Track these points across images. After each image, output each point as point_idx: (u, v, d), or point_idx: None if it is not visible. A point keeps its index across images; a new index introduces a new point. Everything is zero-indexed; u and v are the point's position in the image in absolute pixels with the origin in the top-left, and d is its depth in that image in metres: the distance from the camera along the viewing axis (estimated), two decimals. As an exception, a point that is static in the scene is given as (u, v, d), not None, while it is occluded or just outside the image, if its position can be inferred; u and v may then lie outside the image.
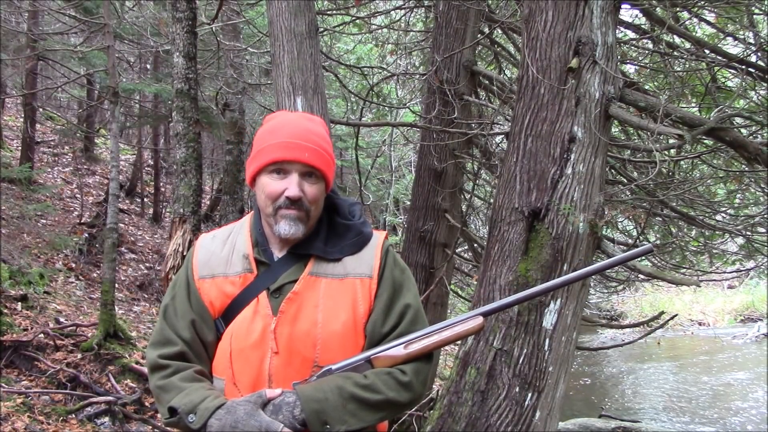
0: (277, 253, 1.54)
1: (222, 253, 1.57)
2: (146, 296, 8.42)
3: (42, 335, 5.48)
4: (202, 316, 1.53)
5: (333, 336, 1.47)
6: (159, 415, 5.05)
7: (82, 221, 9.19)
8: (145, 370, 4.56)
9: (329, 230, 1.56)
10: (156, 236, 10.60)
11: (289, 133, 1.50)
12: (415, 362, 1.47)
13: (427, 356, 1.50)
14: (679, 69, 5.42)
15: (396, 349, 1.46)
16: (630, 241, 6.29)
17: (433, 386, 5.53)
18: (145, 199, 12.00)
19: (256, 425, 1.32)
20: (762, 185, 5.54)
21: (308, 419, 1.36)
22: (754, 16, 4.84)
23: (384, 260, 1.55)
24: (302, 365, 1.46)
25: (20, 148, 10.26)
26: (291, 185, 1.47)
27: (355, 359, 1.45)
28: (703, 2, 4.57)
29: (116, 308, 6.12)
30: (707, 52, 4.83)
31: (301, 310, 1.47)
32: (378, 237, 1.59)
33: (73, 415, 4.69)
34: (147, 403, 5.08)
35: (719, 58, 4.70)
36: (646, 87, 5.50)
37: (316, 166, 1.49)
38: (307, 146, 1.48)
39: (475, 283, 3.71)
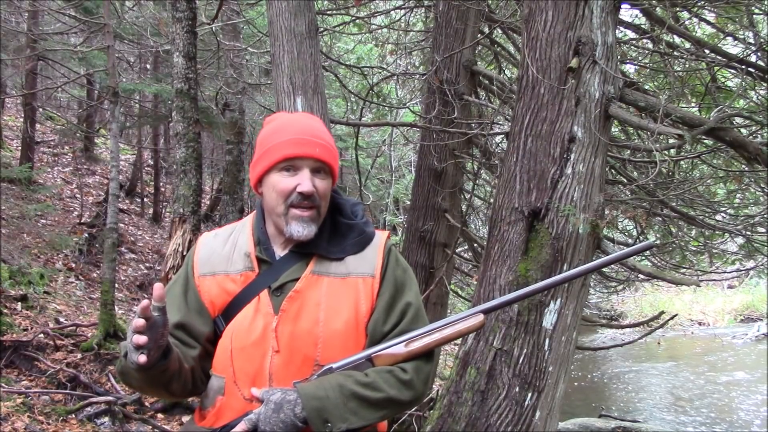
0: (279, 252, 1.54)
1: (223, 251, 1.57)
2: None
3: (42, 335, 5.48)
4: (199, 312, 1.53)
5: (334, 335, 1.47)
6: (159, 415, 5.05)
7: (82, 221, 9.18)
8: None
9: (332, 230, 1.56)
10: (156, 236, 10.60)
11: (297, 130, 1.51)
12: (416, 360, 1.47)
13: (428, 354, 1.49)
14: (679, 69, 5.42)
15: (397, 347, 1.46)
16: (630, 241, 6.30)
17: (433, 386, 5.53)
18: (145, 199, 12.00)
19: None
20: (762, 185, 5.54)
21: (309, 417, 1.36)
22: (754, 16, 4.84)
23: (386, 260, 1.55)
24: (303, 364, 1.46)
25: (20, 148, 10.26)
26: (304, 180, 1.47)
27: (356, 357, 1.45)
28: (703, 2, 4.57)
29: (116, 308, 6.12)
30: (707, 52, 4.83)
31: (303, 308, 1.48)
32: (380, 237, 1.59)
33: (73, 415, 4.69)
34: (147, 403, 5.08)
35: (719, 58, 4.70)
36: (646, 87, 5.50)
37: (327, 161, 1.50)
38: (317, 142, 1.50)
39: (475, 283, 3.71)
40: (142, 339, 1.31)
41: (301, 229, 1.48)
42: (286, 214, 1.49)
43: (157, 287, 1.35)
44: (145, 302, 1.32)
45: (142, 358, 1.31)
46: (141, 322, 1.31)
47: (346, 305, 1.49)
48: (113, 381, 5.25)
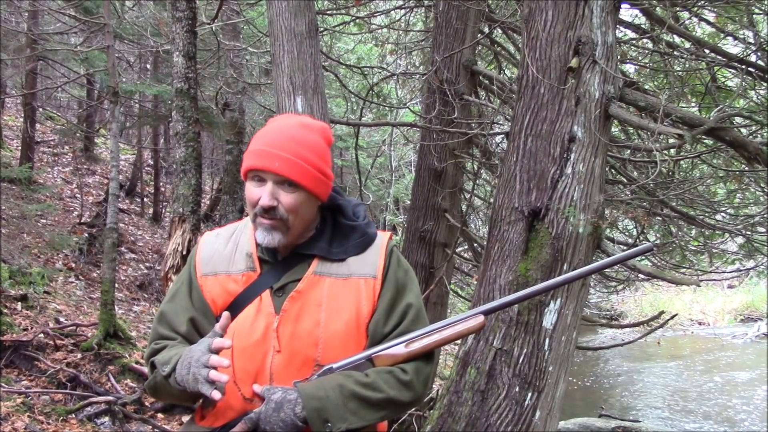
0: (281, 253, 1.54)
1: (225, 251, 1.57)
2: (146, 296, 8.42)
3: (42, 335, 5.48)
4: (204, 312, 1.54)
5: (335, 335, 1.47)
6: (159, 415, 5.05)
7: (82, 221, 9.18)
8: (145, 369, 4.54)
9: (334, 231, 1.56)
10: (156, 236, 10.60)
11: (269, 140, 1.48)
12: (416, 361, 1.47)
13: (428, 355, 1.50)
14: (679, 69, 5.42)
15: (397, 347, 1.46)
16: (630, 240, 6.30)
17: (433, 386, 5.53)
18: (145, 199, 12.00)
19: (200, 348, 1.38)
20: (762, 185, 5.54)
21: (309, 417, 1.36)
22: (754, 16, 4.84)
23: (388, 261, 1.55)
24: (304, 364, 1.46)
25: (20, 148, 10.26)
26: (264, 194, 1.45)
27: (356, 358, 1.46)
28: (702, 2, 4.58)
29: (116, 308, 6.11)
30: (707, 51, 4.83)
31: (304, 309, 1.48)
32: (382, 238, 1.59)
33: (73, 415, 4.69)
34: (147, 403, 5.08)
35: (719, 57, 4.70)
36: (646, 87, 5.50)
37: (287, 176, 1.44)
38: (279, 155, 1.44)
39: (475, 282, 3.71)
40: (224, 377, 1.34)
41: (262, 237, 1.48)
42: (254, 221, 1.50)
43: (225, 316, 1.40)
44: (226, 342, 1.36)
45: (217, 395, 1.33)
46: (225, 362, 1.35)
47: (348, 306, 1.49)
48: (113, 381, 5.25)
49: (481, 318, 1.52)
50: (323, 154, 1.52)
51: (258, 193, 1.47)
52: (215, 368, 1.34)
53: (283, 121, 1.55)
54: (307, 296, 1.49)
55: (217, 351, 1.36)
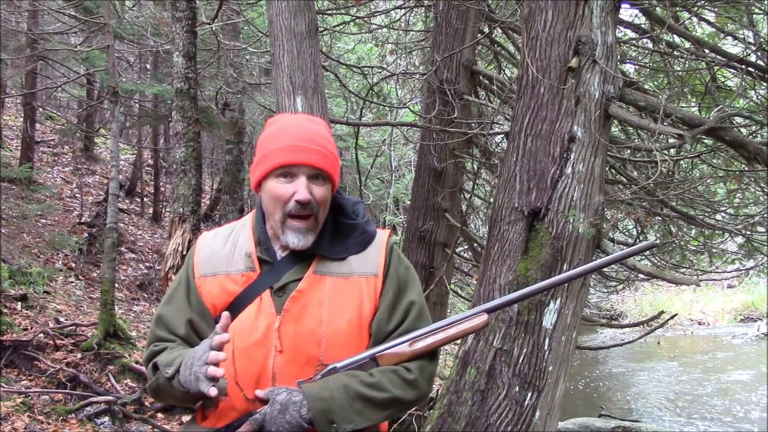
0: (281, 252, 1.54)
1: (224, 251, 1.56)
2: (146, 296, 8.42)
3: (42, 335, 5.48)
4: (201, 314, 1.53)
5: (338, 334, 1.47)
6: (159, 415, 5.05)
7: (82, 221, 9.18)
8: (145, 369, 4.54)
9: (334, 229, 1.55)
10: (156, 236, 10.60)
11: (294, 135, 1.48)
12: (419, 360, 1.47)
13: (432, 354, 1.50)
14: (678, 68, 5.42)
15: (401, 346, 1.46)
16: (630, 240, 6.30)
17: (434, 386, 5.52)
18: (145, 199, 12.00)
19: (202, 348, 1.38)
20: (762, 184, 5.55)
21: (315, 418, 1.36)
22: (754, 16, 4.84)
23: (389, 258, 1.55)
24: (306, 363, 1.46)
25: (20, 147, 10.26)
26: (300, 188, 1.45)
27: (360, 357, 1.46)
28: (702, 2, 4.58)
29: (116, 308, 6.11)
30: (707, 51, 4.83)
31: (306, 308, 1.48)
32: (382, 235, 1.59)
33: (73, 415, 4.68)
34: (147, 403, 5.08)
35: (719, 57, 4.70)
36: (646, 86, 5.50)
37: (324, 168, 1.47)
38: (313, 149, 1.47)
39: (475, 282, 3.72)
40: (220, 371, 1.33)
41: (297, 240, 1.48)
42: (283, 223, 1.48)
43: (225, 316, 1.38)
44: (225, 336, 1.35)
45: (214, 391, 1.32)
46: (222, 355, 1.34)
47: (349, 305, 1.49)
48: (113, 381, 5.25)
49: (485, 316, 1.52)
50: (335, 145, 1.57)
51: (290, 189, 1.46)
52: (216, 365, 1.34)
53: (293, 118, 1.57)
54: (308, 296, 1.48)
55: (218, 347, 1.35)
